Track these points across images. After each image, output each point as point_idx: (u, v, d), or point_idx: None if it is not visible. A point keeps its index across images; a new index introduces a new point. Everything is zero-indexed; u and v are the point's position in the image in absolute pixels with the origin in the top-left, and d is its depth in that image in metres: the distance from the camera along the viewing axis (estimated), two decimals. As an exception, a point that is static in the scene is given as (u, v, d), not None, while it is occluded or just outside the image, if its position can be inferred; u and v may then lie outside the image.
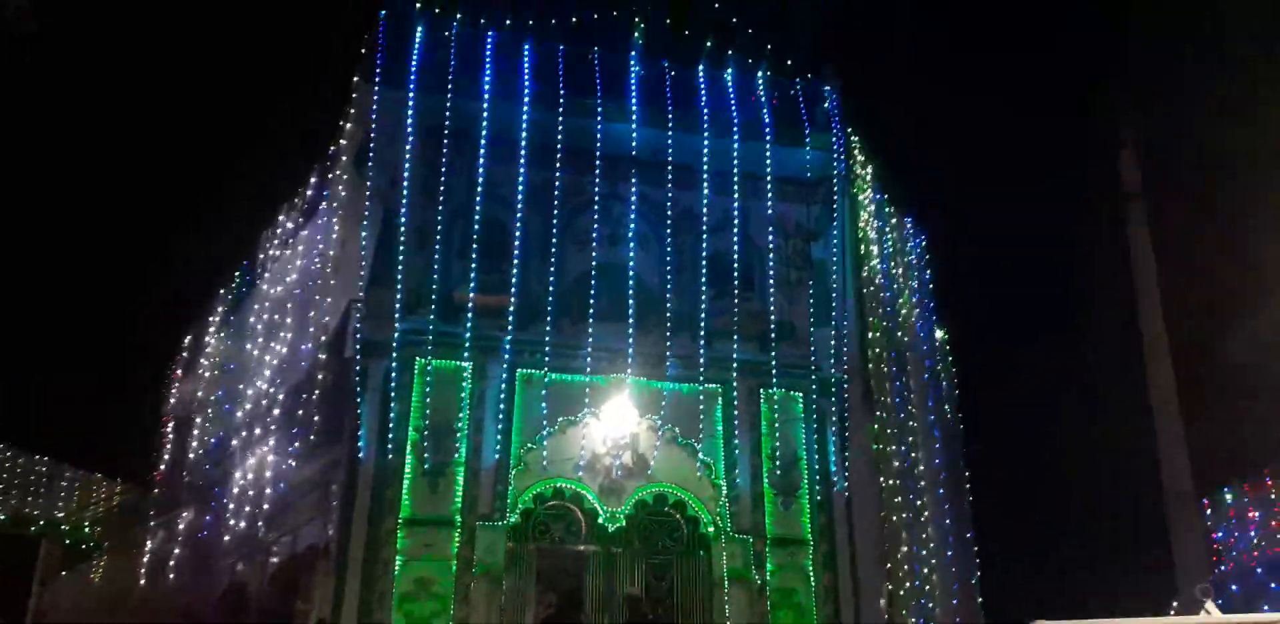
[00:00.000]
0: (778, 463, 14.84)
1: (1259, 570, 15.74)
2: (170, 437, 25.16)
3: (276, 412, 17.83)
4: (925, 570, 16.34)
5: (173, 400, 25.76)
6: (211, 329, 23.76)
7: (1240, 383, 17.33)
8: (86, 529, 25.19)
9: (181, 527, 21.98)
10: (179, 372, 25.99)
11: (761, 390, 15.19)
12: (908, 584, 15.55)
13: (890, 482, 15.89)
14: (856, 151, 17.51)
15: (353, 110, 16.04)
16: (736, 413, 14.96)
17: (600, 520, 14.22)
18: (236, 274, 23.11)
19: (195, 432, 23.34)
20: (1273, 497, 16.95)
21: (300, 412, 16.22)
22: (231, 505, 18.87)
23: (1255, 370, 16.84)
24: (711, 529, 14.45)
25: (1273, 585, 15.66)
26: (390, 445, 13.75)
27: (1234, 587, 15.99)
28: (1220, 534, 17.45)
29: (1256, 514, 17.20)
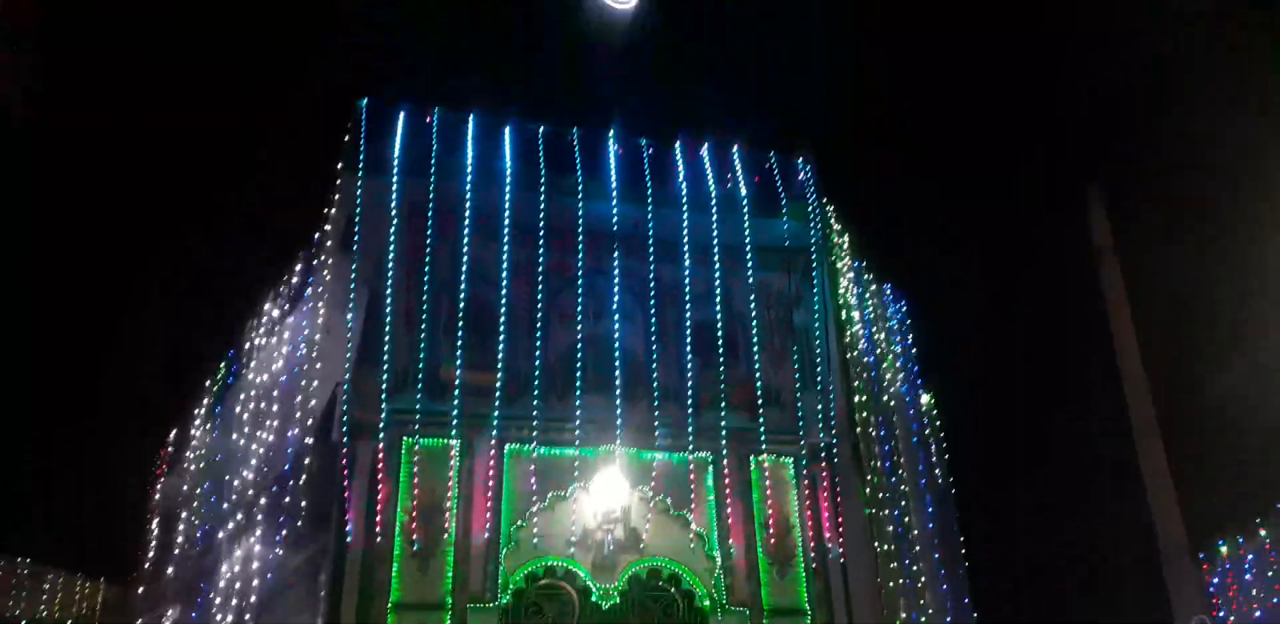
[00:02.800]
0: (771, 531, 14.74)
1: (1259, 618, 15.61)
2: (155, 533, 24.74)
3: (263, 501, 17.66)
4: (927, 638, 16.10)
5: (158, 496, 25.43)
6: (196, 422, 23.62)
7: (1225, 434, 17.45)
8: (67, 627, 24.54)
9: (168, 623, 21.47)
10: (164, 466, 25.73)
11: (751, 458, 15.19)
12: (910, 652, 15.29)
13: (885, 547, 15.77)
14: (832, 221, 17.91)
15: (336, 197, 16.35)
16: (727, 481, 14.90)
17: (594, 598, 14.01)
18: (221, 365, 23.12)
19: (181, 526, 22.99)
20: (1267, 546, 16.91)
21: (287, 499, 16.06)
22: (218, 599, 18.50)
23: (1237, 422, 16.97)
24: (708, 602, 14.25)
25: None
26: (378, 528, 13.59)
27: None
28: (1215, 585, 17.32)
29: (1252, 564, 17.12)
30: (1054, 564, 20.98)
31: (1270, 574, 16.89)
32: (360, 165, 15.36)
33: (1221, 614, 16.60)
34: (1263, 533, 17.12)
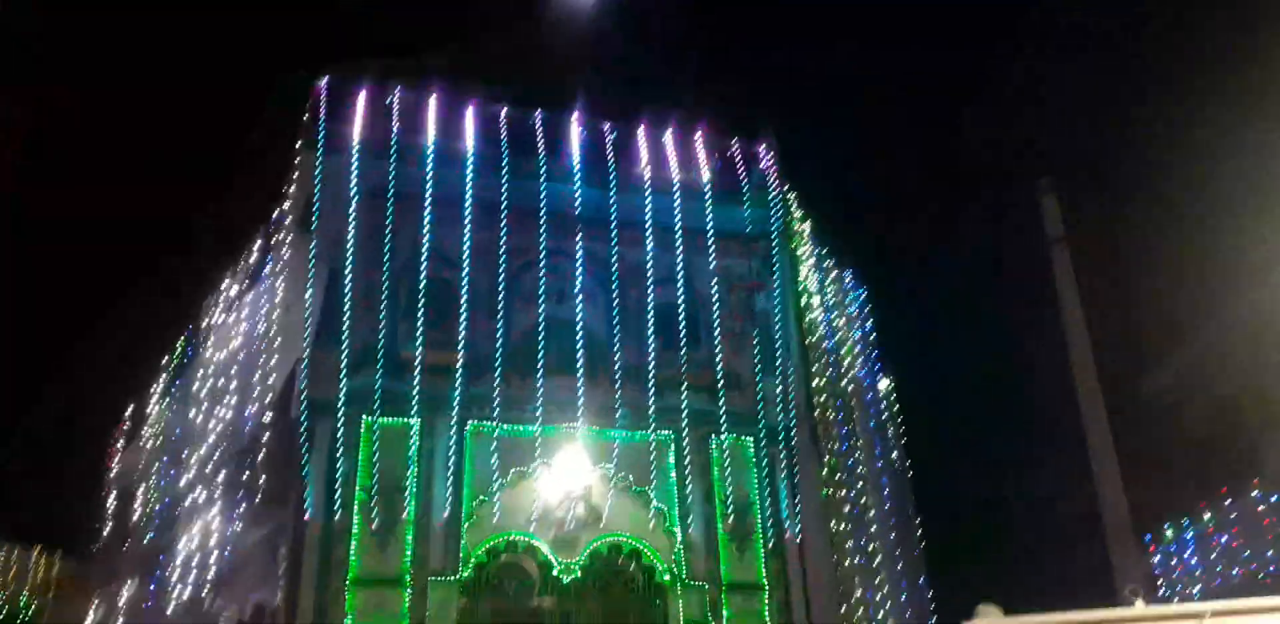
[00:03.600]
0: (730, 509, 14.92)
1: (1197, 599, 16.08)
2: (112, 508, 24.58)
3: (221, 477, 17.60)
4: (880, 614, 16.43)
5: (115, 471, 25.24)
6: (154, 397, 23.45)
7: (1172, 421, 17.86)
8: (23, 601, 24.31)
9: (124, 597, 21.36)
10: (121, 442, 25.52)
11: (712, 438, 15.34)
12: (863, 628, 15.60)
13: (842, 526, 16.05)
14: (794, 208, 18.04)
15: (296, 176, 16.24)
16: (688, 460, 15.06)
17: (555, 573, 14.13)
18: (179, 342, 22.95)
19: (139, 501, 22.86)
20: (1210, 530, 17.38)
21: (246, 475, 16.05)
22: (176, 574, 18.45)
23: (1184, 408, 17.38)
24: (667, 577, 14.43)
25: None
26: (337, 505, 13.60)
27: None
28: (1159, 565, 17.80)
29: (1195, 546, 17.60)
30: (1006, 544, 21.42)
31: (1214, 556, 17.37)
32: (320, 144, 15.25)
33: (1163, 593, 17.05)
34: (1206, 516, 17.59)
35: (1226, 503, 17.23)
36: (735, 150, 17.67)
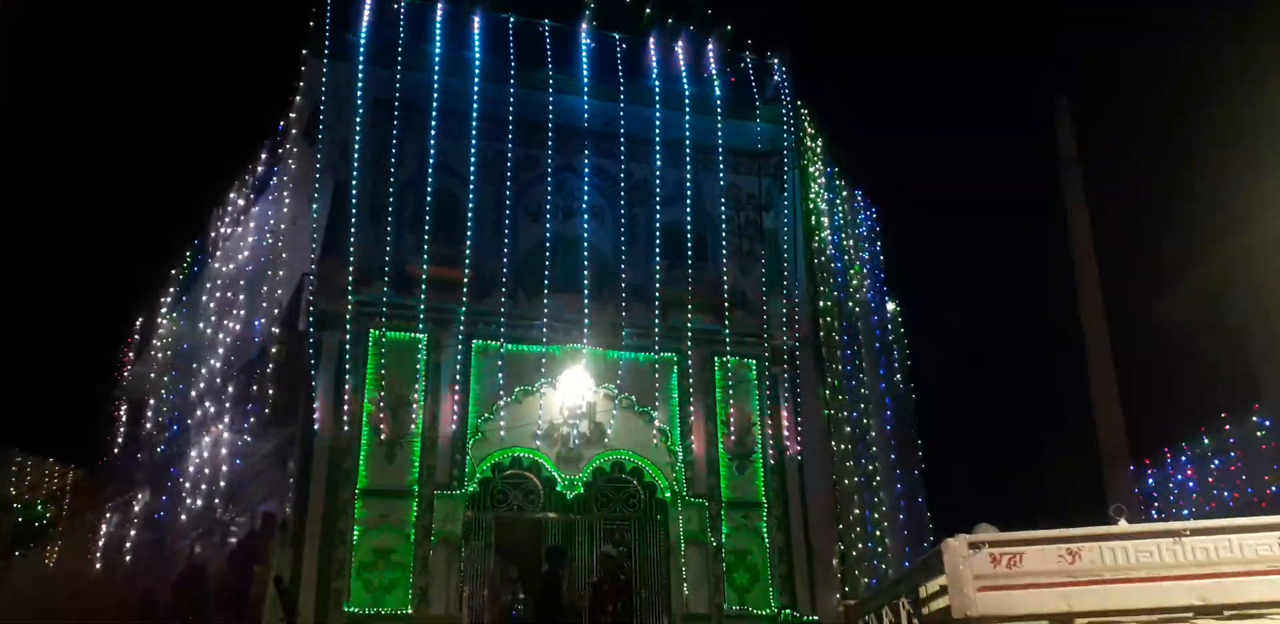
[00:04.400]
0: (732, 429, 15.05)
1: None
2: (123, 419, 24.95)
3: (231, 389, 17.79)
4: (878, 532, 16.73)
5: (125, 382, 25.53)
6: (163, 310, 23.56)
7: (1178, 344, 17.86)
8: (40, 507, 24.93)
9: (137, 508, 21.85)
10: (130, 354, 25.75)
11: (716, 358, 15.36)
12: (860, 545, 15.89)
13: (843, 447, 16.20)
14: (806, 124, 17.71)
15: (301, 84, 15.96)
16: (691, 381, 15.12)
17: (559, 488, 14.36)
18: (187, 254, 22.94)
19: (149, 413, 23.17)
20: (1208, 454, 17.53)
21: (255, 388, 16.19)
22: (188, 485, 18.81)
23: (1191, 332, 17.34)
24: (668, 494, 14.66)
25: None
26: (346, 418, 13.74)
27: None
28: (1155, 488, 18.03)
29: (1192, 469, 17.79)
30: (1006, 467, 21.72)
31: (1210, 480, 17.56)
32: (326, 50, 14.93)
33: (1156, 515, 17.31)
34: (1205, 441, 17.72)
35: (1225, 428, 17.34)
36: (748, 65, 17.27)
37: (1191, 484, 17.40)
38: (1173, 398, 17.75)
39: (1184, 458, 17.71)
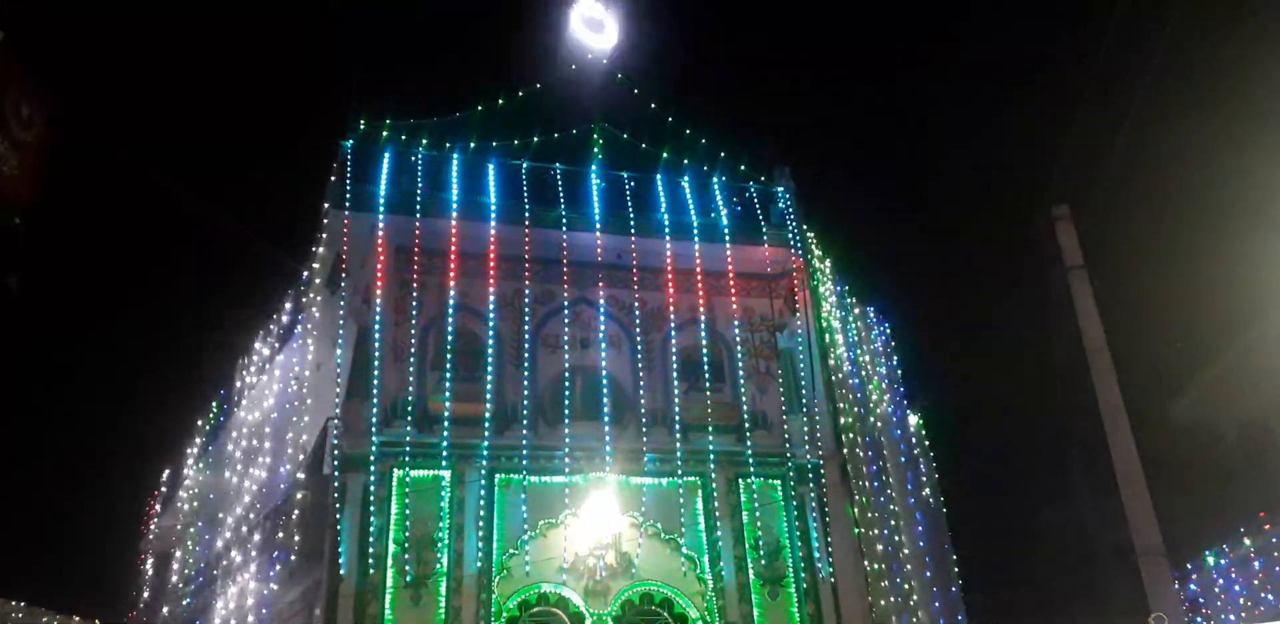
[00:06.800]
0: (762, 552, 14.88)
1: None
2: (149, 572, 24.73)
3: (257, 537, 17.74)
4: (920, 654, 16.22)
5: (151, 536, 25.42)
6: (189, 461, 23.70)
7: (1200, 444, 17.68)
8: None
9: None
10: (156, 506, 25.74)
11: (740, 480, 15.36)
12: (904, 669, 15.41)
13: (875, 566, 15.90)
14: (814, 246, 18.21)
15: (324, 236, 16.59)
16: (716, 504, 15.07)
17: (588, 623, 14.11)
18: (213, 404, 23.25)
19: (174, 565, 23.00)
20: (1252, 555, 17.10)
21: (280, 534, 16.17)
22: (215, 636, 18.52)
23: (1212, 430, 17.20)
24: (702, 624, 14.36)
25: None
26: (371, 560, 13.70)
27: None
28: (1200, 593, 17.50)
29: (1236, 574, 17.31)
30: (1044, 577, 21.14)
31: (1257, 583, 17.08)
32: (347, 202, 15.62)
33: (1200, 621, 16.76)
34: (1246, 542, 17.33)
35: (1266, 527, 16.97)
36: (753, 193, 17.91)
37: (1238, 587, 16.91)
38: (1202, 499, 17.47)
39: (1223, 560, 17.29)
